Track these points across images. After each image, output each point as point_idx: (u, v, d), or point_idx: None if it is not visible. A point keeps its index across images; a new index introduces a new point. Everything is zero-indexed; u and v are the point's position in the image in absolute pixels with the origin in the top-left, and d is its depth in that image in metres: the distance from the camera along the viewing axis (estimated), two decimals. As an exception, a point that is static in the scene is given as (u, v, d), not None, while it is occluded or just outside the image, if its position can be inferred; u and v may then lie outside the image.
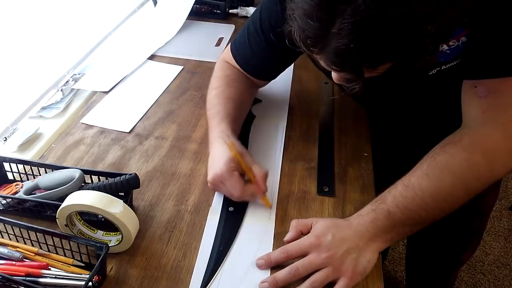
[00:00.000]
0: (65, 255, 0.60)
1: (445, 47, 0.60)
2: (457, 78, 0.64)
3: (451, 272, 1.19)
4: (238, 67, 0.81)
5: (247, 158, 0.68)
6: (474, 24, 0.57)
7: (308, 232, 0.61)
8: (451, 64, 0.63)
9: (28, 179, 0.71)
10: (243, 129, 0.82)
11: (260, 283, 0.57)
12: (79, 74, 1.02)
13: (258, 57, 0.78)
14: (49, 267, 0.58)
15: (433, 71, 0.65)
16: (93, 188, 0.64)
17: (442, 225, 1.00)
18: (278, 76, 0.85)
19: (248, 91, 0.83)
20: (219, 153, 0.67)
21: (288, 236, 0.63)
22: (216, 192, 0.71)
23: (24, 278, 0.56)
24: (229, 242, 0.63)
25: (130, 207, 0.61)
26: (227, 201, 0.69)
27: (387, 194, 0.62)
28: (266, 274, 0.59)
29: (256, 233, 0.65)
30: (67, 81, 0.99)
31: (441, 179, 0.60)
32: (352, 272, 0.57)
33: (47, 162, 0.75)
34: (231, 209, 0.68)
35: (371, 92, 0.60)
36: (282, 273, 0.57)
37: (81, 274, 0.57)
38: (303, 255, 0.58)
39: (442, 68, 0.64)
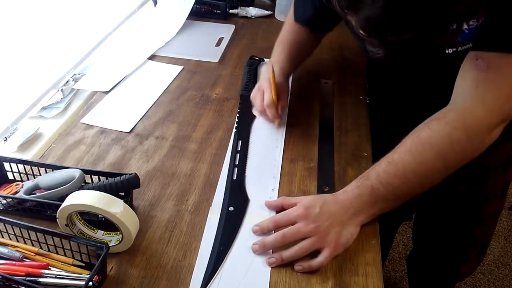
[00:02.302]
0: (65, 255, 0.60)
1: (465, 26, 0.61)
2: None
3: (449, 285, 1.19)
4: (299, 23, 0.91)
5: (281, 84, 0.84)
6: (493, 2, 0.58)
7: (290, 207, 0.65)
8: (466, 46, 0.64)
9: (28, 179, 0.71)
10: (244, 129, 0.83)
11: (252, 244, 0.62)
12: (79, 74, 1.02)
13: (312, 11, 0.87)
14: (49, 267, 0.58)
15: (450, 50, 0.66)
16: (93, 188, 0.64)
17: (442, 233, 1.00)
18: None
19: (306, 41, 0.92)
20: (265, 73, 0.87)
21: (269, 201, 0.68)
22: (216, 192, 0.71)
23: (24, 278, 0.56)
24: (229, 242, 0.63)
25: (130, 207, 0.61)
26: (227, 201, 0.69)
27: (371, 171, 0.65)
28: (266, 274, 0.59)
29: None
30: (67, 81, 0.99)
31: (422, 155, 0.62)
32: (335, 243, 0.60)
33: (47, 162, 0.75)
34: (231, 209, 0.68)
35: (388, 65, 0.66)
36: (270, 238, 0.61)
37: (81, 274, 0.57)
38: (291, 224, 0.62)
39: (459, 50, 0.65)
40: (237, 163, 0.76)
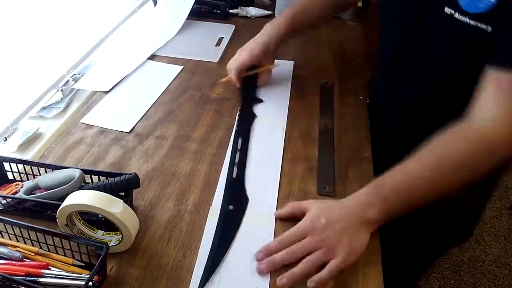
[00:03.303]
0: (65, 255, 0.60)
1: None
2: (472, 50, 0.64)
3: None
4: None
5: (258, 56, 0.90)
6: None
7: (301, 215, 0.63)
8: (470, 23, 0.63)
9: (28, 179, 0.71)
10: (244, 127, 0.84)
11: (258, 265, 0.59)
12: (79, 74, 1.02)
13: None
14: (49, 267, 0.58)
15: (450, 10, 0.65)
16: (93, 188, 0.64)
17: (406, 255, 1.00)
18: (278, 76, 0.88)
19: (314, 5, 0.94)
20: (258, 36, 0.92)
21: (279, 212, 0.66)
22: (216, 192, 0.71)
23: (24, 278, 0.56)
24: (228, 241, 0.63)
25: (130, 207, 0.61)
26: (227, 200, 0.69)
27: (385, 180, 0.63)
28: (266, 275, 0.59)
29: (256, 233, 0.65)
30: (67, 81, 0.99)
31: (440, 171, 0.61)
32: (346, 252, 0.59)
33: (47, 162, 0.75)
34: (230, 207, 0.68)
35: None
36: (278, 256, 0.59)
37: (81, 274, 0.57)
38: (299, 240, 0.60)
39: (456, 17, 0.64)
40: (237, 161, 0.76)
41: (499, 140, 0.61)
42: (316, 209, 0.63)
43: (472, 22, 0.63)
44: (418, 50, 0.76)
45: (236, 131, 0.84)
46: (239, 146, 0.80)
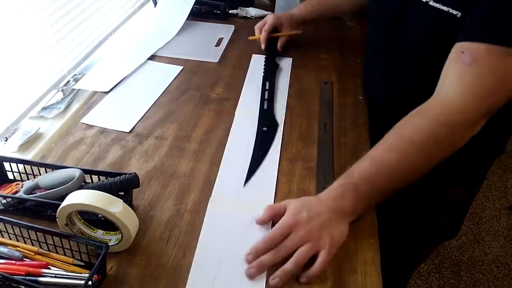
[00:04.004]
0: (65, 254, 0.60)
1: None
2: (447, 36, 0.66)
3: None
4: None
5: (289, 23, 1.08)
6: None
7: (281, 215, 0.63)
8: (443, 9, 0.66)
9: (28, 179, 0.71)
10: (271, 73, 0.99)
11: (247, 268, 0.59)
12: (79, 74, 1.02)
13: None
14: (49, 267, 0.58)
15: (432, 1, 0.68)
16: (93, 188, 0.64)
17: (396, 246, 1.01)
18: (277, 72, 1.03)
19: None
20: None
21: (260, 219, 0.66)
22: (215, 185, 0.72)
23: (24, 277, 0.56)
24: (266, 151, 0.79)
25: (130, 207, 0.61)
26: (261, 123, 0.86)
27: (354, 169, 0.65)
28: (263, 274, 0.59)
29: (254, 233, 0.65)
30: (67, 82, 0.99)
31: (405, 152, 0.63)
32: (329, 244, 0.60)
33: (47, 162, 0.75)
34: (264, 129, 0.85)
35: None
36: (267, 256, 0.59)
37: (81, 273, 0.57)
38: (285, 237, 0.60)
39: (436, 6, 0.67)
40: (266, 97, 0.93)
41: (458, 117, 0.62)
42: (296, 205, 0.63)
43: (444, 8, 0.66)
44: (400, 40, 0.78)
45: (264, 76, 1.00)
46: (267, 86, 0.96)
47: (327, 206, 0.62)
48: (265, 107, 0.91)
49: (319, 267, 0.58)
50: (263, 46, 1.07)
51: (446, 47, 0.68)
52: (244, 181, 0.73)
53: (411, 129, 0.64)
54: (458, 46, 0.63)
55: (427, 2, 0.69)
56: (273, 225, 0.64)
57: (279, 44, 1.08)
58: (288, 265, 0.58)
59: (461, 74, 0.62)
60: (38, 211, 0.65)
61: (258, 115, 0.88)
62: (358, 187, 0.63)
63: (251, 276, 0.58)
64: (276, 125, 0.86)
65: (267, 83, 0.98)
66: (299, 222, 0.60)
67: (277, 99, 0.93)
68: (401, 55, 0.79)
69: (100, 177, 0.69)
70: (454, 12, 0.65)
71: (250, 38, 1.11)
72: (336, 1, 1.08)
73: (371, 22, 0.90)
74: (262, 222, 0.66)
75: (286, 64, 1.06)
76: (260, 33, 1.07)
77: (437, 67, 0.72)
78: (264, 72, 1.02)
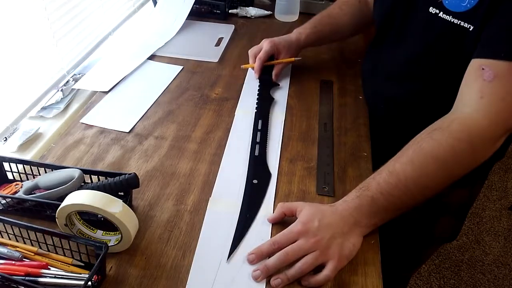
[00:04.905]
0: (64, 255, 0.60)
1: None
2: (453, 47, 0.66)
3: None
4: None
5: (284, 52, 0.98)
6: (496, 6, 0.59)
7: (292, 215, 0.63)
8: (454, 21, 0.66)
9: (28, 179, 0.71)
10: (264, 111, 0.89)
11: (253, 271, 0.58)
12: (79, 74, 1.02)
13: None
14: (49, 267, 0.58)
15: (435, 10, 0.68)
16: (93, 188, 0.64)
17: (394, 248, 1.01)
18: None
19: (350, 14, 0.99)
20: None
21: (271, 217, 0.66)
22: (215, 184, 0.72)
23: (23, 277, 0.56)
24: (255, 211, 0.68)
25: (130, 207, 0.61)
26: (251, 175, 0.74)
27: (371, 181, 0.63)
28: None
29: (253, 233, 0.65)
30: (67, 81, 0.99)
31: (425, 167, 0.62)
32: (338, 255, 0.59)
33: (47, 162, 0.75)
34: (255, 181, 0.72)
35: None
36: (273, 259, 0.58)
37: (80, 273, 0.57)
38: (291, 243, 0.60)
39: (446, 18, 0.67)
40: (258, 140, 0.82)
41: (480, 134, 0.61)
42: (308, 212, 0.62)
43: (455, 21, 0.66)
44: (403, 48, 0.78)
45: (256, 113, 0.89)
46: (259, 126, 0.85)
47: (341, 216, 0.61)
48: (256, 153, 0.78)
49: (324, 278, 0.57)
50: (256, 76, 0.97)
51: (452, 58, 0.67)
52: (228, 252, 0.62)
53: (432, 144, 0.62)
54: (477, 62, 0.62)
55: (436, 13, 0.68)
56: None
57: (274, 72, 0.98)
58: (292, 270, 0.58)
59: (482, 91, 0.61)
60: (37, 211, 0.65)
61: (248, 162, 0.77)
62: (376, 201, 0.61)
63: (256, 279, 0.58)
64: (269, 176, 0.74)
65: (260, 121, 0.86)
66: (308, 230, 0.60)
67: (270, 144, 0.81)
68: (404, 63, 0.79)
69: (100, 177, 0.69)
70: (466, 25, 0.65)
71: (243, 66, 1.01)
72: (337, 20, 0.99)
73: (377, 28, 0.88)
74: (273, 221, 0.66)
75: (287, 69, 1.04)
76: (254, 61, 0.97)
77: (439, 77, 0.72)
78: (256, 109, 0.90)
